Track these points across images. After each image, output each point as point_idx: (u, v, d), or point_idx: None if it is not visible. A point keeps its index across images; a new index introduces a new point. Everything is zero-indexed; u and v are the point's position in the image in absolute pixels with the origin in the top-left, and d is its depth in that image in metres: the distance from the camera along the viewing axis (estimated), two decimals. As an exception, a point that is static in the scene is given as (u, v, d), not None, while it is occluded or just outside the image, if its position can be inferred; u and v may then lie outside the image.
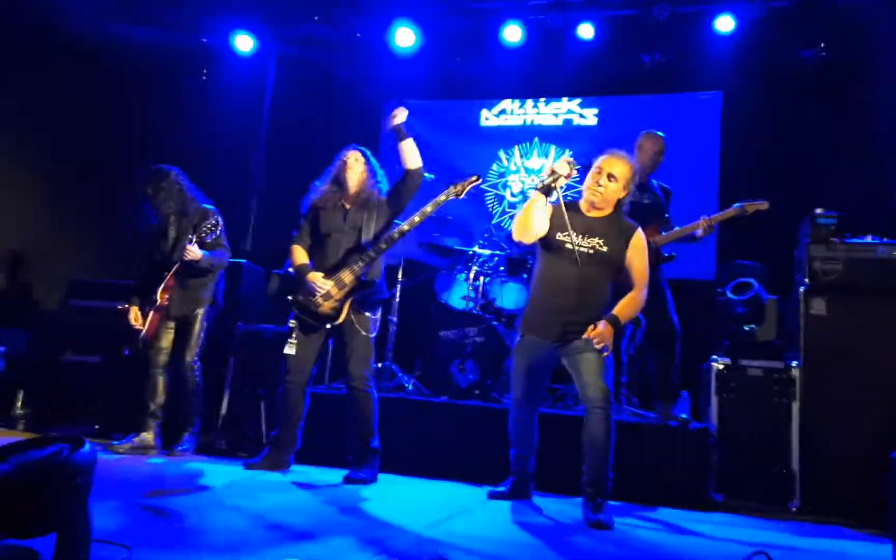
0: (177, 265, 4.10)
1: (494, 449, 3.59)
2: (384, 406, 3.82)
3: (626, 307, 3.15)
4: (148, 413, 4.11)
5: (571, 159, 3.08)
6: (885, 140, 5.26)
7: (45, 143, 6.18)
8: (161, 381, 4.15)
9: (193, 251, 4.00)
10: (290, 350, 3.65)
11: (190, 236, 4.04)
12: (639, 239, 3.25)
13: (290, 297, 3.69)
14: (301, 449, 3.79)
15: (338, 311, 3.59)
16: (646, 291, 3.21)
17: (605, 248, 3.19)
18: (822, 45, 5.59)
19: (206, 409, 4.35)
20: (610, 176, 3.21)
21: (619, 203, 3.26)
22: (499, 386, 4.49)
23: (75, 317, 4.99)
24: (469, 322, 4.72)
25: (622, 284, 3.23)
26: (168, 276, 4.12)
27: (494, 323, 4.64)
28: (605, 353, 3.06)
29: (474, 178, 3.75)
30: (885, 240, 3.83)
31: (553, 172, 3.03)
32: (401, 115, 3.74)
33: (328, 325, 3.61)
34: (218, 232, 4.11)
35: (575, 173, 3.08)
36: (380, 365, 4.74)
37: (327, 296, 3.59)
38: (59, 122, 6.20)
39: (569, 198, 3.37)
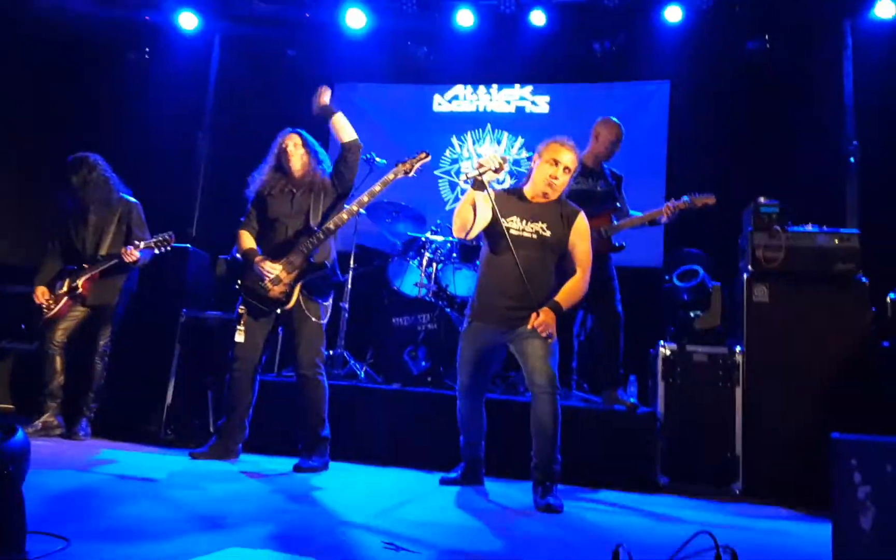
0: (112, 262, 4.12)
1: (447, 436, 3.58)
2: (336, 393, 3.77)
3: (569, 292, 3.17)
4: (47, 394, 4.08)
5: (504, 156, 3.10)
6: (826, 131, 5.45)
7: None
8: (59, 361, 4.12)
9: (135, 254, 4.05)
10: (239, 337, 3.56)
11: (136, 241, 4.09)
12: (581, 223, 3.27)
13: (238, 283, 3.60)
14: (250, 438, 3.71)
15: (288, 295, 3.51)
16: (588, 276, 3.24)
17: (547, 233, 3.20)
18: (767, 36, 5.74)
19: (150, 398, 4.25)
20: (566, 169, 3.24)
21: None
22: (451, 373, 4.46)
23: (10, 302, 4.83)
24: (422, 309, 4.69)
25: (566, 270, 3.28)
26: (94, 271, 4.14)
27: (447, 310, 4.62)
28: (550, 340, 3.08)
29: (423, 154, 3.71)
30: (825, 228, 3.96)
31: (480, 166, 3.02)
32: (325, 95, 3.70)
33: (278, 310, 3.54)
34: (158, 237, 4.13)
35: (505, 169, 3.08)
36: (331, 352, 4.68)
37: (276, 280, 3.51)
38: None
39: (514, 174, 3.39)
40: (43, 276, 4.19)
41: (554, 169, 3.23)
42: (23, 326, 4.40)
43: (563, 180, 3.25)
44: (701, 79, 5.96)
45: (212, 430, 3.93)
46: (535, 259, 3.17)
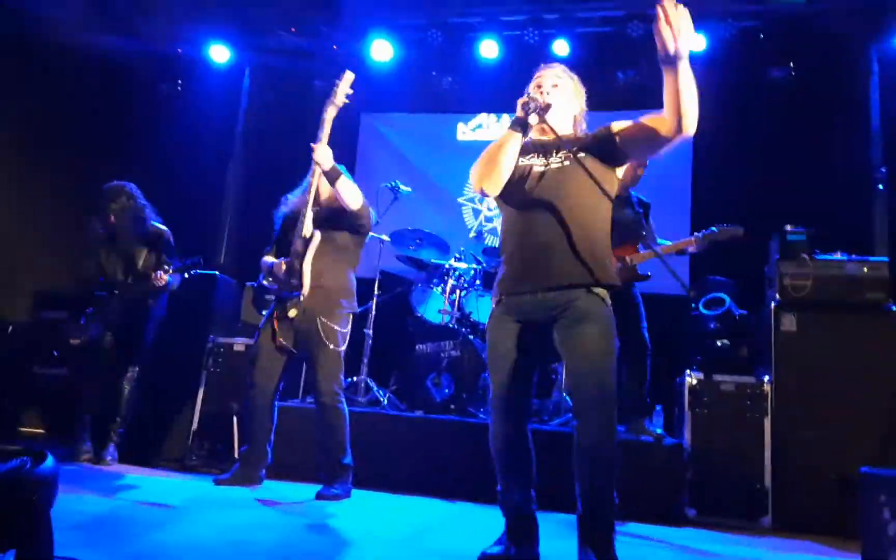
0: (142, 288, 4.20)
1: (471, 464, 3.56)
2: (359, 420, 3.78)
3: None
4: (81, 420, 4.16)
5: (549, 103, 2.46)
6: (852, 158, 5.38)
7: (15, 151, 6.07)
8: (95, 388, 4.19)
9: (164, 279, 4.09)
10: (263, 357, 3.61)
11: (166, 266, 4.12)
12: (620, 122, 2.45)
13: (266, 295, 3.65)
14: (274, 464, 3.73)
15: (299, 279, 3.55)
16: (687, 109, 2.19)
17: (581, 154, 2.42)
18: (791, 64, 5.71)
19: (177, 423, 4.32)
20: (555, 85, 2.56)
21: (574, 118, 2.60)
22: (474, 400, 4.47)
23: (44, 328, 4.96)
24: (445, 336, 4.71)
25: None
26: (121, 300, 4.23)
27: (471, 337, 4.63)
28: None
29: (345, 75, 3.74)
30: (853, 256, 3.91)
31: (527, 102, 2.38)
32: (322, 158, 3.55)
33: (297, 298, 3.55)
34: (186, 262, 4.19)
35: (547, 102, 2.44)
36: (354, 378, 4.70)
37: (290, 271, 3.58)
38: (30, 131, 6.11)
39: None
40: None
41: (538, 89, 2.54)
42: (55, 353, 4.52)
43: (560, 99, 2.52)
44: (725, 106, 5.92)
45: (236, 455, 3.96)
46: (573, 190, 2.37)
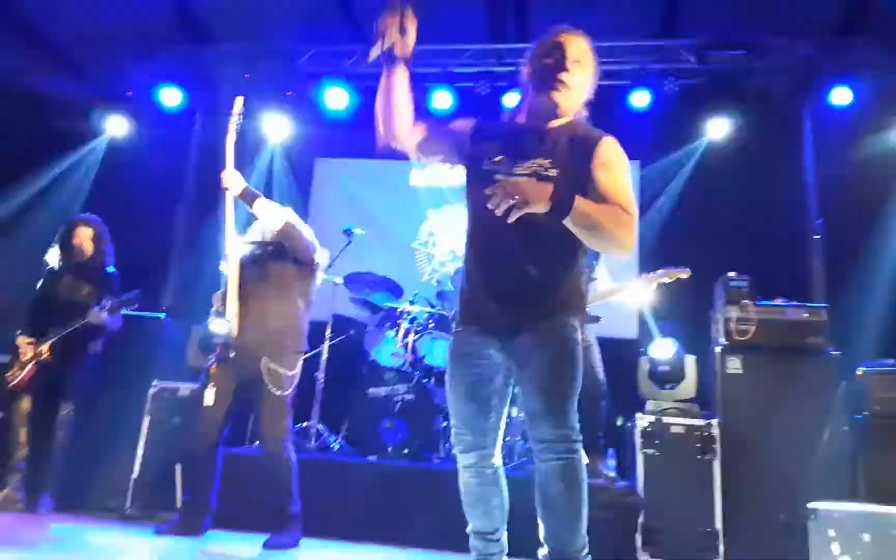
0: (77, 325, 4.04)
1: (424, 510, 3.49)
2: (309, 467, 3.67)
3: (598, 207, 2.01)
4: (10, 467, 3.95)
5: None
6: (790, 209, 5.66)
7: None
8: (24, 432, 4.00)
9: (100, 316, 4.00)
10: (208, 399, 3.46)
11: (104, 303, 4.01)
12: (608, 146, 2.14)
13: (213, 338, 3.51)
14: (219, 512, 3.58)
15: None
16: (630, 213, 2.05)
17: (552, 172, 2.08)
18: (731, 119, 6.01)
19: (117, 471, 4.13)
20: (576, 61, 2.16)
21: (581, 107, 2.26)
22: (428, 445, 4.42)
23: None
24: (398, 379, 4.66)
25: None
26: (58, 337, 4.04)
27: (424, 380, 4.60)
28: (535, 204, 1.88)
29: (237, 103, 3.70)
30: (792, 302, 4.07)
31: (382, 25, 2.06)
32: (230, 182, 3.49)
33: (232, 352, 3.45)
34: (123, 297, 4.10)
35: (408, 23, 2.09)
36: (304, 424, 4.59)
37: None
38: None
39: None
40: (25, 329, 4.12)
41: (561, 60, 2.14)
42: None
43: (574, 76, 2.15)
44: (669, 158, 6.19)
45: (178, 504, 3.79)
46: (537, 217, 1.95)
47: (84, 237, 4.24)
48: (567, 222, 1.95)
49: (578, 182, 2.06)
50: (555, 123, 2.20)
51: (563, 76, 2.14)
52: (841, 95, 5.71)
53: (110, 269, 4.34)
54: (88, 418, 4.17)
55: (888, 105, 5.68)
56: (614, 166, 2.11)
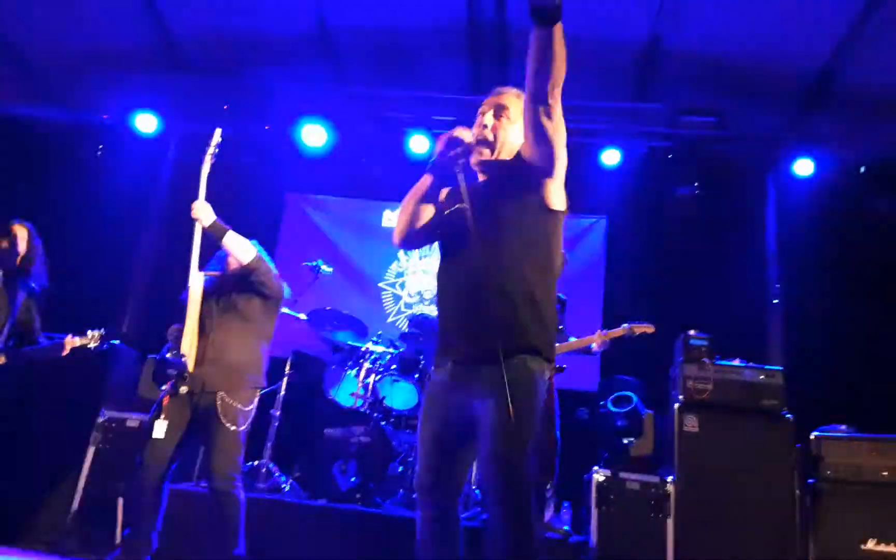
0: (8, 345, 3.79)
1: (375, 558, 3.39)
2: (257, 508, 3.56)
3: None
4: None
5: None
6: (752, 271, 5.79)
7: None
8: None
9: (75, 342, 3.80)
10: (158, 431, 3.34)
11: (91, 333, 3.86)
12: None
13: (168, 369, 3.40)
14: (161, 552, 3.43)
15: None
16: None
17: (499, 199, 2.19)
18: (696, 184, 6.16)
19: (55, 502, 3.94)
20: (498, 108, 2.31)
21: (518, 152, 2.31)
22: (382, 490, 4.32)
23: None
24: (356, 420, 4.57)
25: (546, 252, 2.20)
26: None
27: (382, 423, 4.52)
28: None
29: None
30: (750, 364, 4.11)
31: (451, 141, 2.22)
32: (201, 213, 3.41)
33: (184, 369, 3.33)
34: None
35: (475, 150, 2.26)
36: (255, 463, 4.46)
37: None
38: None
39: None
40: None
41: (480, 117, 2.33)
42: None
43: (499, 125, 2.30)
44: (636, 216, 6.30)
45: (117, 541, 3.64)
46: (494, 243, 2.09)
47: (27, 241, 3.97)
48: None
49: (522, 182, 2.17)
50: (492, 156, 2.30)
51: (486, 125, 2.29)
52: (804, 167, 5.90)
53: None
54: (29, 445, 4.01)
55: (849, 177, 5.88)
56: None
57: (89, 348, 3.90)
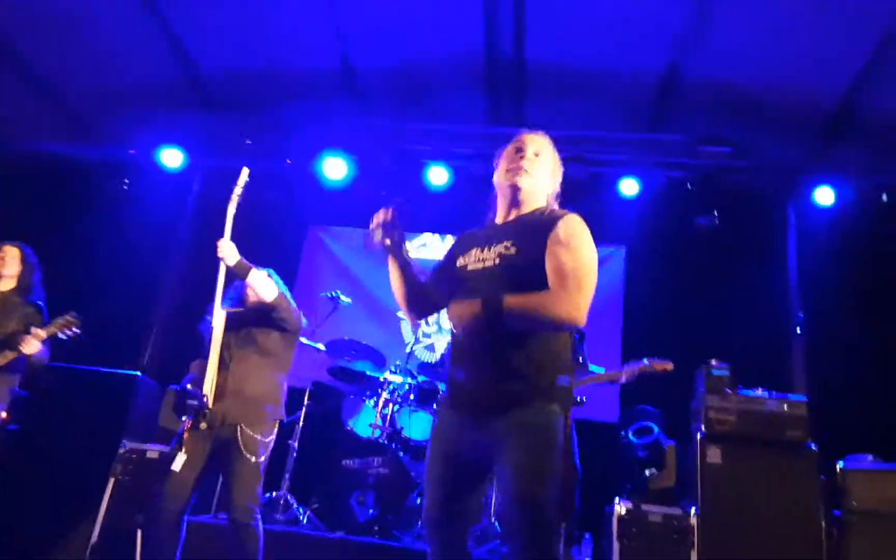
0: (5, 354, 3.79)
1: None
2: (275, 540, 3.55)
3: (527, 299, 2.02)
4: None
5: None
6: (772, 302, 5.71)
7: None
8: None
9: (34, 344, 3.76)
10: (176, 465, 3.35)
11: (37, 331, 3.78)
12: (568, 224, 2.16)
13: (189, 400, 3.43)
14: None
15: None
16: (572, 297, 2.03)
17: (513, 251, 2.16)
18: (716, 213, 6.11)
19: (75, 533, 3.96)
20: (537, 153, 2.34)
21: (547, 198, 2.37)
22: (400, 523, 4.28)
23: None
24: (374, 451, 4.56)
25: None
26: None
27: (401, 453, 4.50)
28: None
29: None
30: (773, 393, 4.04)
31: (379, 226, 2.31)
32: (226, 253, 3.45)
33: (205, 405, 3.35)
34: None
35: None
36: (274, 494, 4.46)
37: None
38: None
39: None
40: None
41: (516, 155, 2.32)
42: None
43: (536, 165, 2.31)
44: (655, 246, 6.27)
45: (136, 573, 3.65)
46: (505, 287, 2.06)
47: (14, 257, 4.04)
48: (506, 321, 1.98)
49: (537, 258, 2.11)
50: (525, 210, 2.30)
51: (524, 163, 2.28)
52: (824, 195, 5.84)
53: (40, 303, 4.10)
54: (51, 476, 4.04)
55: (871, 205, 5.81)
56: (571, 243, 2.11)
57: (59, 336, 3.83)
